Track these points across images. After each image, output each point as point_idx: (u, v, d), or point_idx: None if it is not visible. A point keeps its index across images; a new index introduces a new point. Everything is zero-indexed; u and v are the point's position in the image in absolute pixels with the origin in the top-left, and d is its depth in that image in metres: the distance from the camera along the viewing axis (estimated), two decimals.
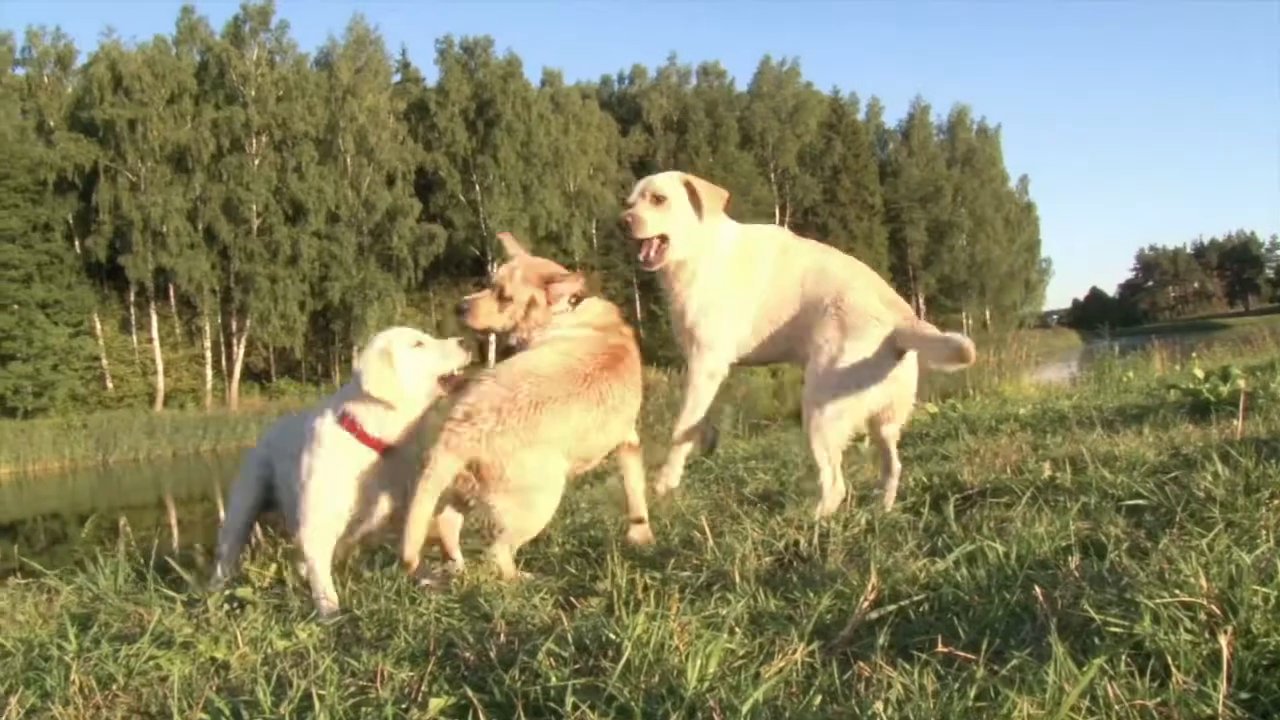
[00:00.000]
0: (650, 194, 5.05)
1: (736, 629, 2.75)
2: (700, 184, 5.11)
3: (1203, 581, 2.38)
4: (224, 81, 60.14)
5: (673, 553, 4.09)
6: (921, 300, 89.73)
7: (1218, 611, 2.26)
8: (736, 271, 5.05)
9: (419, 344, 4.62)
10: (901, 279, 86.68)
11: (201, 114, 58.52)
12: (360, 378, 4.46)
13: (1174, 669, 2.05)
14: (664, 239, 4.96)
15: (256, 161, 59.16)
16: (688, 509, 5.36)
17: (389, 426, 4.44)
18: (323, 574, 4.23)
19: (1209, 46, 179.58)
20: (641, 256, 5.02)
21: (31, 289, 53.13)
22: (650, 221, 4.96)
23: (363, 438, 4.43)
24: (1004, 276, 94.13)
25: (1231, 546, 2.72)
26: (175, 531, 20.23)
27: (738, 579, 3.52)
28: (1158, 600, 2.30)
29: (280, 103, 59.81)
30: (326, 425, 4.47)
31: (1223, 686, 1.98)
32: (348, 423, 4.44)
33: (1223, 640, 2.06)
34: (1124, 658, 2.12)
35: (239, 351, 60.22)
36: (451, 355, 4.77)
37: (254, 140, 59.43)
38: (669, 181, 5.12)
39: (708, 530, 4.08)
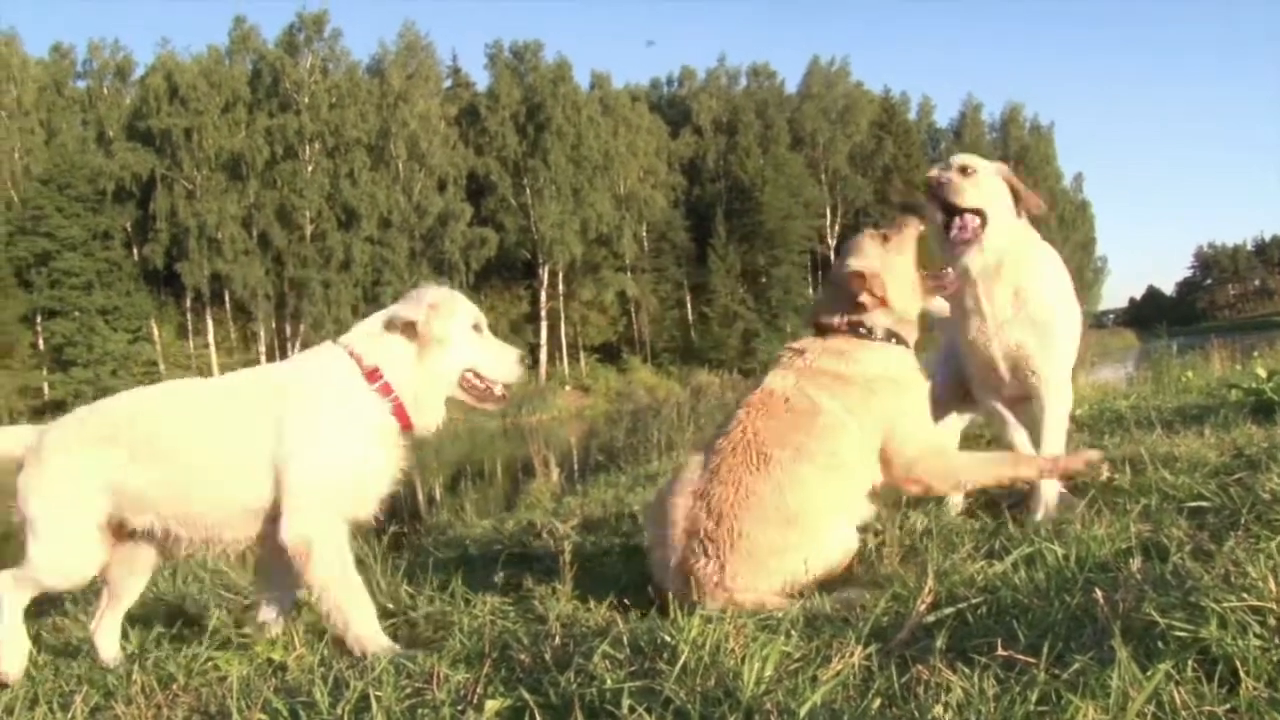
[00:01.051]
0: (959, 166, 4.43)
1: (793, 632, 2.73)
2: (1019, 183, 4.50)
3: (1271, 585, 2.33)
4: (278, 90, 60.91)
5: None
6: None
7: None
8: (1069, 295, 4.63)
9: (476, 327, 4.04)
10: None
11: (255, 122, 59.34)
12: (405, 308, 3.87)
13: (1243, 675, 2.01)
14: (981, 219, 4.31)
15: (310, 168, 59.88)
16: None
17: (416, 397, 3.87)
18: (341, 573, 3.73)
19: (1266, 39, 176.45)
20: (954, 231, 4.32)
21: (92, 296, 54.20)
22: (968, 192, 4.32)
23: (398, 409, 3.83)
24: None
25: None
26: None
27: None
28: (1224, 604, 2.25)
29: (333, 110, 60.51)
30: (346, 368, 3.83)
31: None
32: (371, 374, 3.81)
33: None
34: (1190, 662, 2.07)
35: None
36: (504, 363, 4.10)
37: (307, 147, 60.16)
38: (983, 163, 4.49)
39: None
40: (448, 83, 73.53)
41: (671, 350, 73.26)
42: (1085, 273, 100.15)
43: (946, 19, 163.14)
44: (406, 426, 3.85)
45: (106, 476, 3.70)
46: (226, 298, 60.40)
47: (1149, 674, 2.02)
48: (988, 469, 4.05)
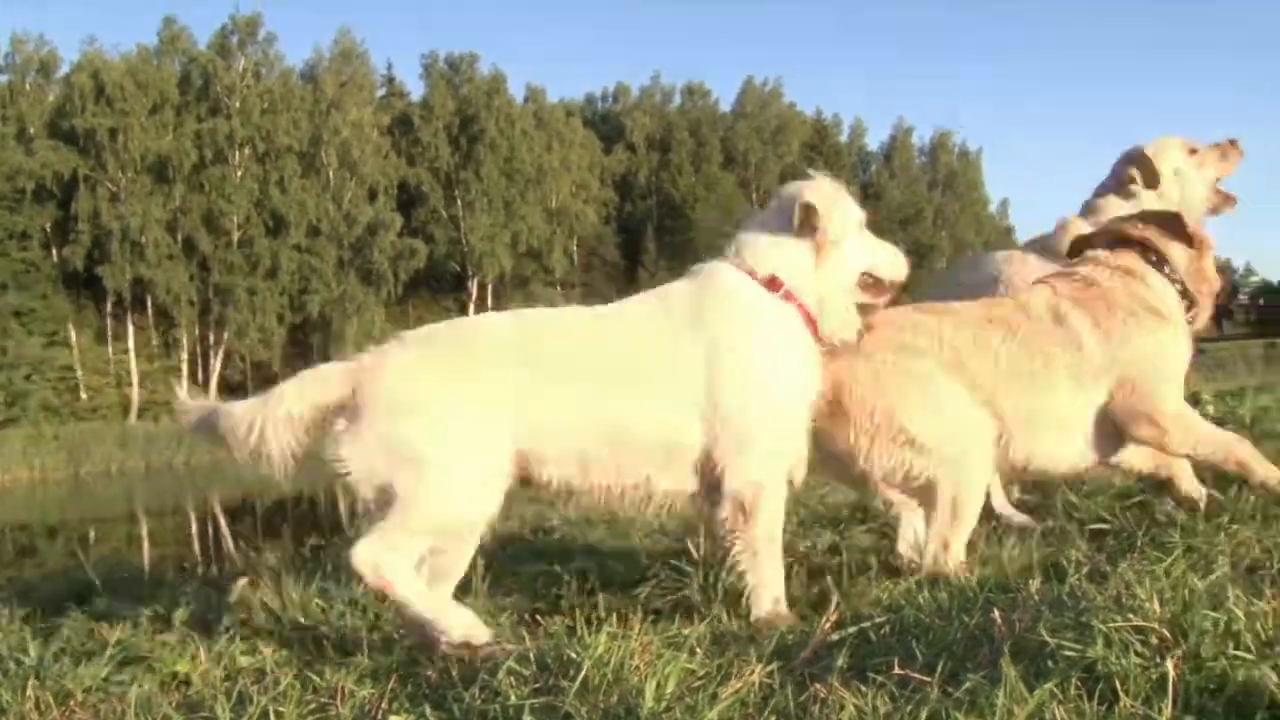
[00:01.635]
0: None
1: (698, 649, 2.76)
2: None
3: (1156, 606, 2.41)
4: (208, 93, 60.09)
5: (643, 573, 4.10)
6: None
7: (1169, 636, 2.28)
8: None
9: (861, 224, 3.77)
10: None
11: (184, 125, 58.47)
12: (809, 200, 3.59)
13: (1122, 692, 2.08)
14: None
15: (239, 173, 59.13)
16: (661, 529, 5.38)
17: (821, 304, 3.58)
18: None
19: (1178, 73, 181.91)
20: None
21: (6, 297, 52.89)
22: None
23: (808, 321, 3.55)
24: None
25: (1186, 572, 2.76)
26: (146, 545, 20.10)
27: (705, 600, 3.55)
28: (1110, 624, 2.33)
29: (264, 115, 59.82)
30: (750, 284, 3.55)
31: (1168, 709, 2.00)
32: (770, 283, 3.54)
33: (1169, 664, 2.08)
34: (1074, 681, 2.14)
35: (216, 364, 59.99)
36: (897, 262, 3.86)
37: (237, 152, 59.38)
38: None
39: (683, 550, 4.09)
40: (381, 91, 73.10)
41: None
42: None
43: (880, 43, 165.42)
44: (817, 339, 3.56)
45: (517, 403, 3.33)
46: (149, 303, 59.30)
47: (1034, 692, 2.08)
48: (1225, 446, 3.95)
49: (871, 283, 3.74)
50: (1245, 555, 3.20)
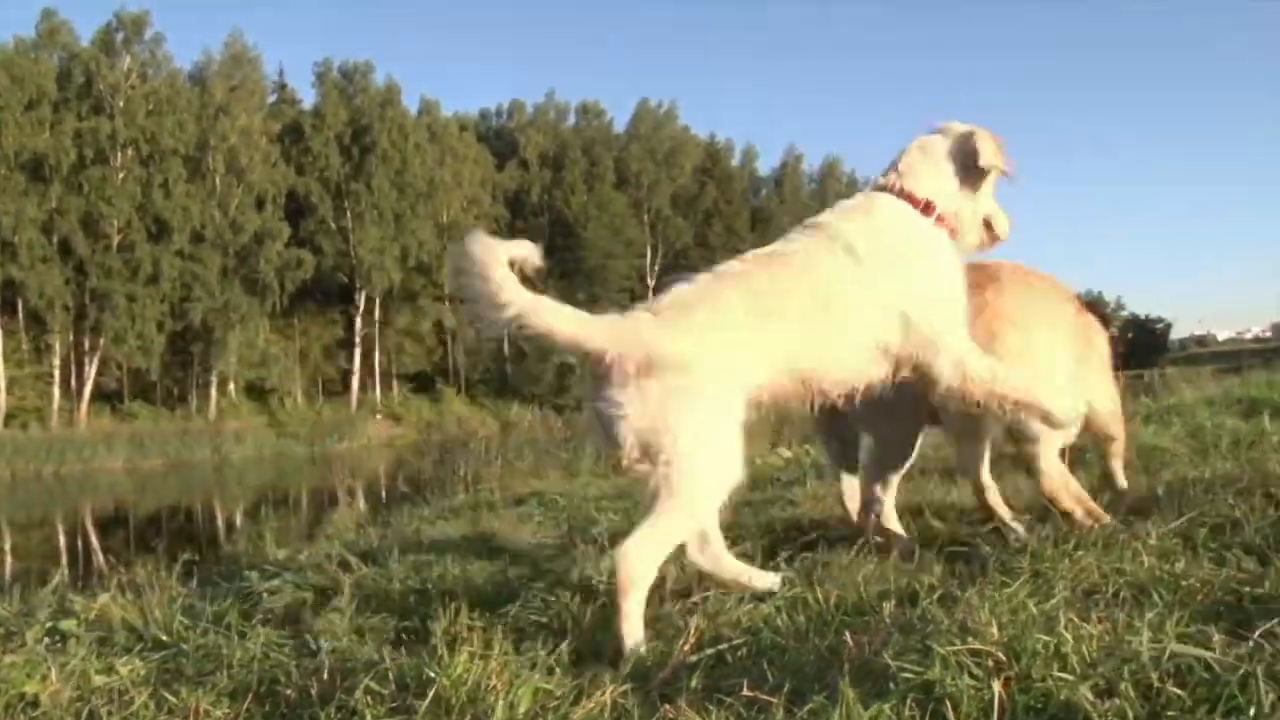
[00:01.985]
0: None
1: (557, 669, 2.81)
2: None
3: (994, 630, 2.53)
4: (90, 91, 58.31)
5: (514, 592, 4.13)
6: None
7: (1003, 658, 2.40)
8: None
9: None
10: None
11: (63, 122, 56.60)
12: (973, 142, 3.98)
13: (953, 713, 2.18)
14: None
15: (121, 176, 57.45)
16: (534, 549, 5.40)
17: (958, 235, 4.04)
18: None
19: (1057, 120, 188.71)
20: None
21: None
22: None
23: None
24: None
25: (1026, 597, 2.89)
26: (8, 558, 19.40)
27: (572, 620, 3.59)
28: (949, 648, 2.43)
29: (150, 117, 58.26)
30: (912, 213, 3.95)
31: None
32: (934, 214, 3.95)
33: (996, 685, 2.20)
34: (910, 701, 2.23)
35: (90, 371, 58.07)
36: (1006, 220, 4.24)
37: (119, 153, 57.74)
38: None
39: (553, 570, 4.13)
40: (272, 98, 71.78)
41: (486, 382, 72.88)
42: None
43: (773, 70, 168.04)
44: None
45: (771, 354, 3.61)
46: (20, 306, 57.23)
47: (869, 712, 2.17)
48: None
49: (985, 231, 4.16)
50: (1084, 580, 3.35)
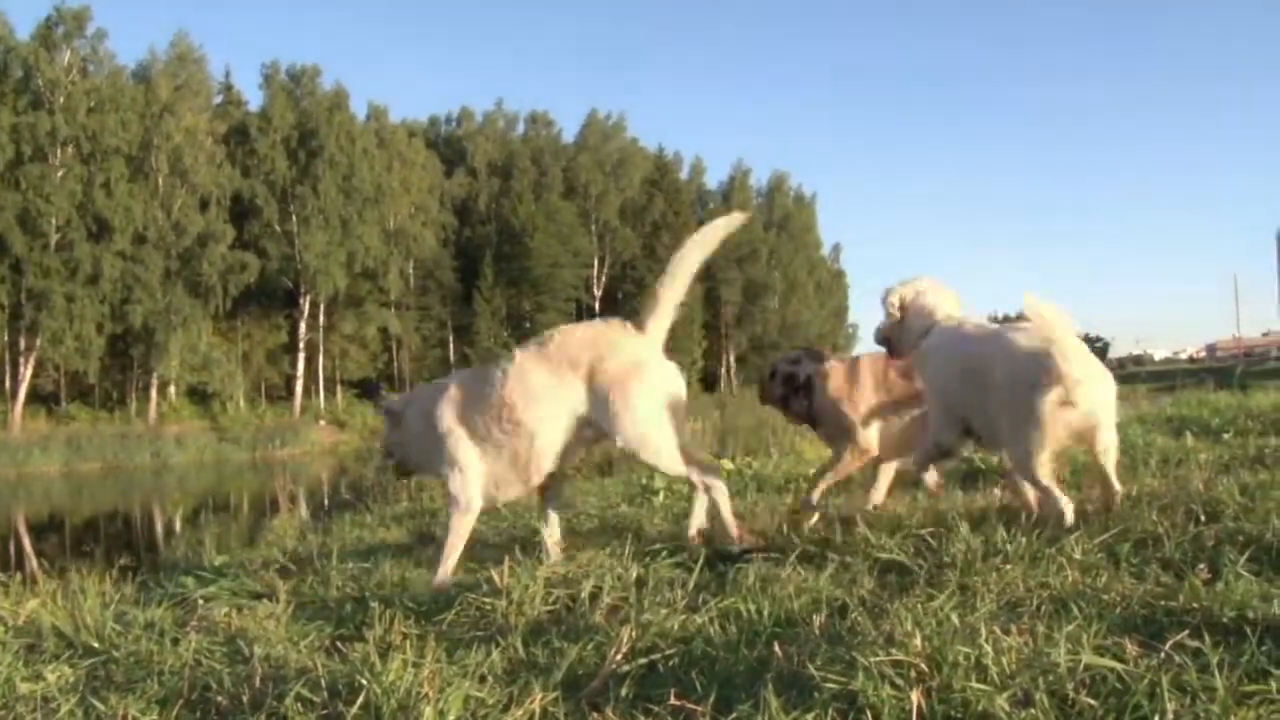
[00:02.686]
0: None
1: (489, 677, 2.83)
2: None
3: (918, 641, 2.59)
4: (29, 85, 57.27)
5: (450, 601, 4.14)
6: (732, 358, 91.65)
7: (925, 669, 2.46)
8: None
9: None
10: (714, 336, 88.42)
11: None
12: None
13: None
14: None
15: (60, 173, 56.46)
16: (473, 558, 5.40)
17: None
18: None
19: (996, 144, 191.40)
20: None
21: None
22: None
23: None
24: (813, 339, 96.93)
25: (951, 610, 2.96)
26: None
27: (506, 629, 3.61)
28: (874, 658, 2.49)
29: (91, 114, 57.33)
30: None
31: None
32: None
33: (915, 695, 2.26)
34: (833, 711, 2.29)
35: (26, 372, 56.95)
36: None
37: (59, 150, 56.76)
38: None
39: (493, 579, 4.14)
40: (218, 99, 70.99)
41: None
42: (837, 338, 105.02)
43: (720, 84, 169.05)
44: None
45: None
46: None
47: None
48: None
49: None
50: (1010, 593, 3.43)
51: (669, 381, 5.07)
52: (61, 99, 56.68)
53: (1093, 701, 2.27)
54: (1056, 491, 4.58)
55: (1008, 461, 5.03)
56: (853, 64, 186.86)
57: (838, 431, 5.94)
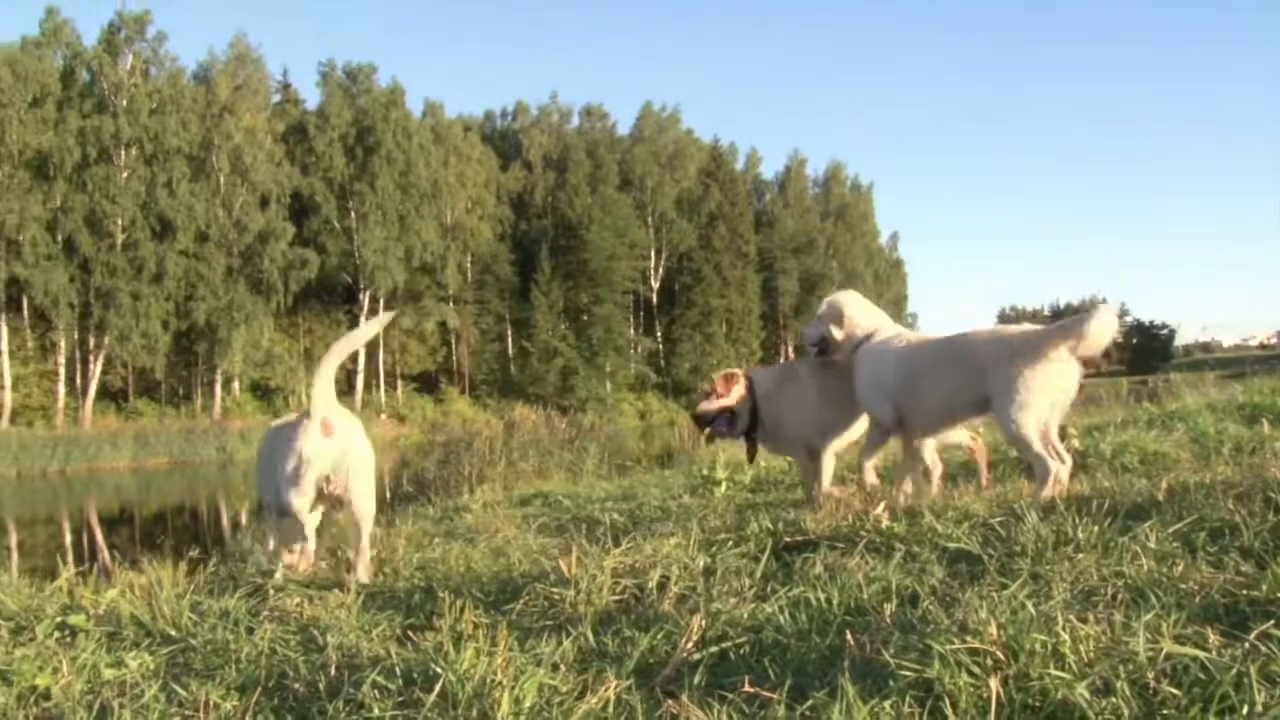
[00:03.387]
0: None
1: (561, 666, 2.84)
2: None
3: (993, 629, 2.56)
4: (93, 89, 58.34)
5: (518, 591, 4.16)
6: (790, 349, 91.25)
7: (1002, 657, 2.43)
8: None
9: None
10: (772, 327, 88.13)
11: (66, 121, 56.57)
12: None
13: (951, 709, 2.21)
14: None
15: (124, 174, 57.44)
16: (538, 548, 5.43)
17: None
18: None
19: (1063, 130, 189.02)
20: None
21: None
22: None
23: None
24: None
25: (1025, 598, 2.92)
26: (14, 555, 19.44)
27: (575, 618, 3.62)
28: (949, 646, 2.47)
29: (153, 115, 58.25)
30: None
31: None
32: None
33: (994, 682, 2.23)
34: (910, 699, 2.27)
35: (95, 369, 58.08)
36: None
37: (123, 152, 57.73)
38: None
39: (560, 569, 4.15)
40: (276, 98, 71.83)
41: (490, 383, 72.93)
42: None
43: (778, 75, 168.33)
44: None
45: None
46: (25, 304, 57.26)
47: (868, 707, 2.21)
48: None
49: None
50: (1084, 582, 3.38)
51: None
52: (124, 102, 57.63)
53: (1175, 691, 2.23)
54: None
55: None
56: (907, 49, 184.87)
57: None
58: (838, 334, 6.44)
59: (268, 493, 5.46)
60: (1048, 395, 5.51)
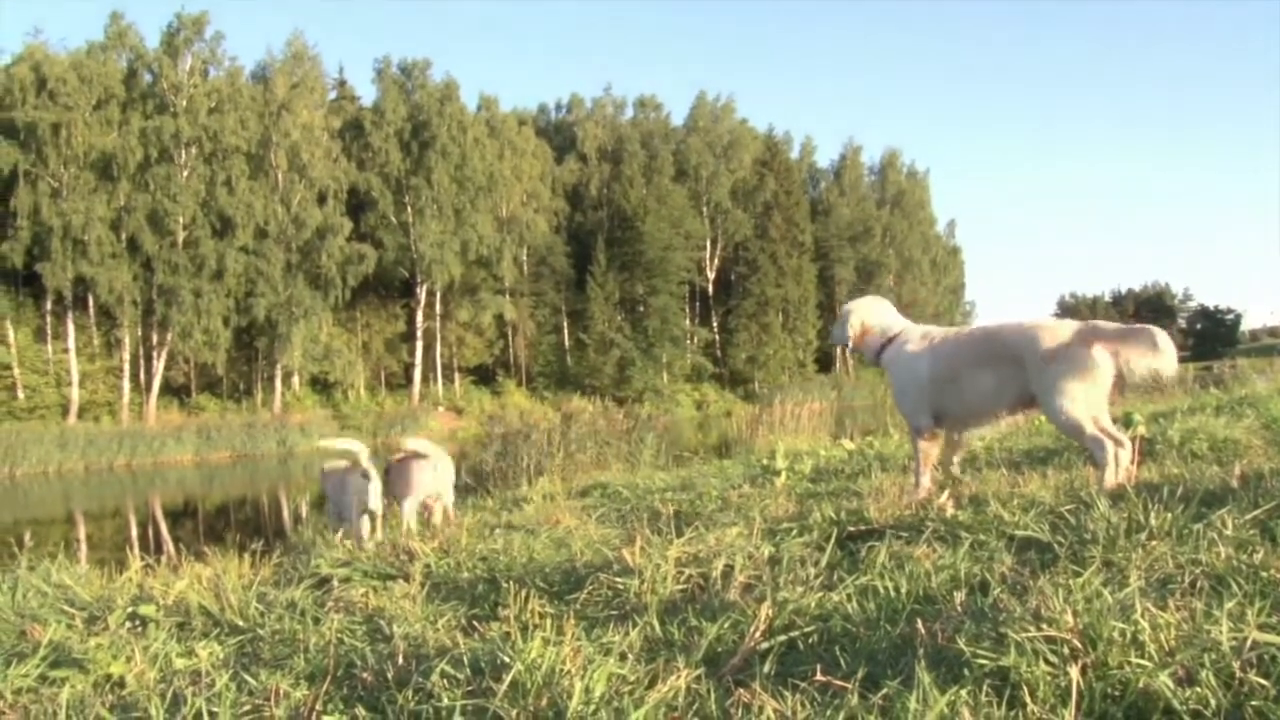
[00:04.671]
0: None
1: (629, 655, 2.83)
2: None
3: (1069, 617, 2.51)
4: (154, 90, 59.24)
5: (581, 581, 4.15)
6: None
7: (1079, 645, 2.38)
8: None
9: None
10: (829, 316, 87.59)
11: (129, 122, 57.54)
12: None
13: (1029, 698, 2.17)
14: None
15: (185, 173, 58.29)
16: (600, 538, 5.42)
17: None
18: None
19: (1124, 113, 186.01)
20: None
21: None
22: None
23: None
24: (929, 317, 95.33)
25: (1100, 585, 2.86)
26: (84, 547, 19.80)
27: (640, 608, 3.61)
28: (1024, 634, 2.42)
29: (212, 114, 59.05)
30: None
31: (1071, 714, 2.09)
32: None
33: (1073, 671, 2.18)
34: (986, 687, 2.23)
35: (158, 365, 59.09)
36: None
37: (183, 151, 58.58)
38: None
39: (624, 558, 4.14)
40: (332, 95, 72.50)
41: (547, 375, 73.20)
42: (955, 315, 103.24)
43: (832, 63, 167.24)
44: None
45: None
46: (90, 302, 58.35)
47: (946, 697, 2.17)
48: None
49: None
50: (1159, 570, 3.30)
51: None
52: (184, 102, 58.47)
53: (1263, 681, 2.17)
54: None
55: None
56: (964, 33, 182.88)
57: None
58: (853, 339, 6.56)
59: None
60: (1091, 381, 5.44)
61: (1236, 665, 2.22)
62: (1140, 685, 2.18)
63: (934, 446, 6.24)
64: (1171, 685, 2.14)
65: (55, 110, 54.96)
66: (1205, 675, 2.19)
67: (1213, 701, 2.12)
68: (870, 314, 6.55)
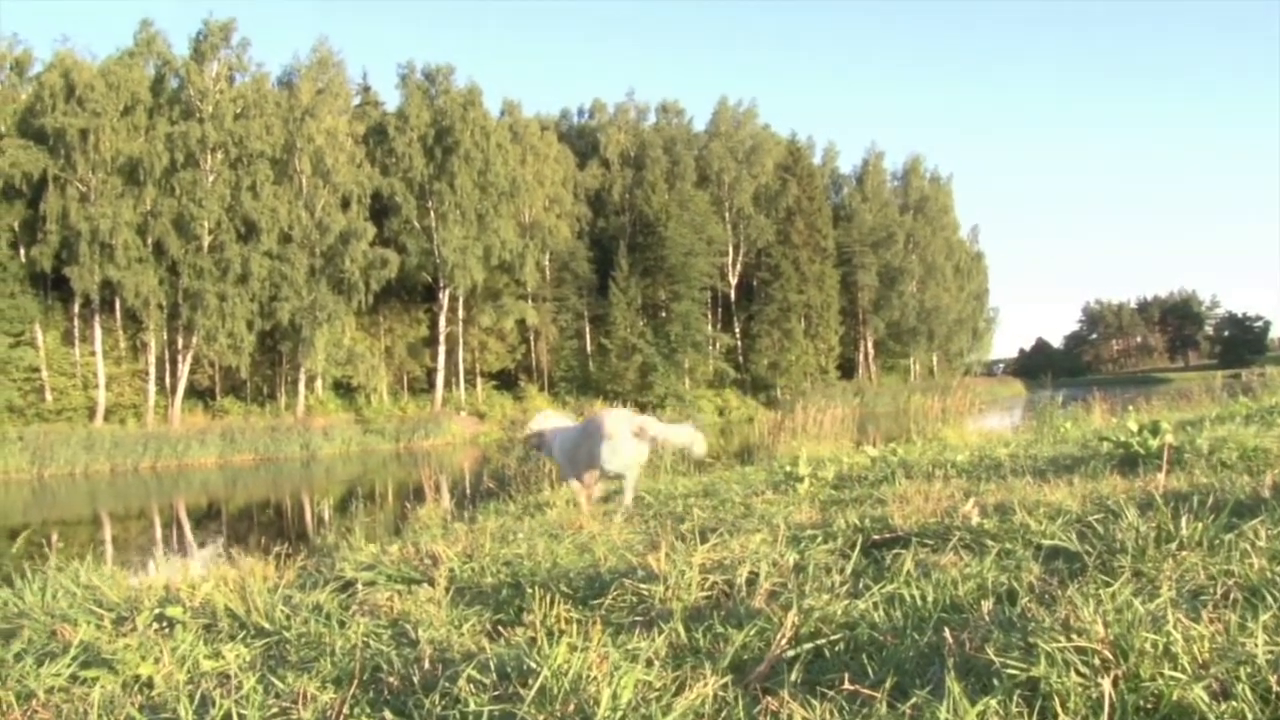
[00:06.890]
0: None
1: (655, 661, 2.82)
2: None
3: (1099, 628, 2.48)
4: (180, 96, 59.68)
5: (606, 587, 4.15)
6: (870, 344, 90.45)
7: (1110, 656, 2.36)
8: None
9: None
10: (851, 322, 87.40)
11: (156, 127, 57.97)
12: None
13: (1061, 709, 2.15)
14: None
15: (210, 178, 58.65)
16: (624, 544, 5.42)
17: None
18: None
19: (1151, 119, 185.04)
20: None
21: None
22: None
23: None
24: (952, 324, 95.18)
25: (1131, 596, 2.84)
26: (110, 548, 19.92)
27: (665, 614, 3.60)
28: (1055, 645, 2.40)
29: (237, 120, 59.42)
30: None
31: None
32: None
33: (1105, 683, 2.16)
34: (1016, 698, 2.21)
35: (184, 369, 59.47)
36: None
37: (209, 156, 58.96)
38: None
39: (649, 564, 4.14)
40: (356, 100, 72.83)
41: (569, 380, 73.30)
42: (978, 322, 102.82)
43: (854, 69, 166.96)
44: None
45: None
46: (117, 305, 58.81)
47: (976, 707, 2.15)
48: None
49: None
50: (1190, 580, 3.27)
51: None
52: (210, 108, 58.86)
53: None
54: None
55: None
56: (984, 40, 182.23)
57: None
58: None
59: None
60: None
61: (1274, 680, 2.20)
62: (1174, 698, 2.16)
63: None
64: (1206, 699, 2.12)
65: (84, 116, 55.43)
66: (1241, 689, 2.17)
67: (1249, 716, 2.09)
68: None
